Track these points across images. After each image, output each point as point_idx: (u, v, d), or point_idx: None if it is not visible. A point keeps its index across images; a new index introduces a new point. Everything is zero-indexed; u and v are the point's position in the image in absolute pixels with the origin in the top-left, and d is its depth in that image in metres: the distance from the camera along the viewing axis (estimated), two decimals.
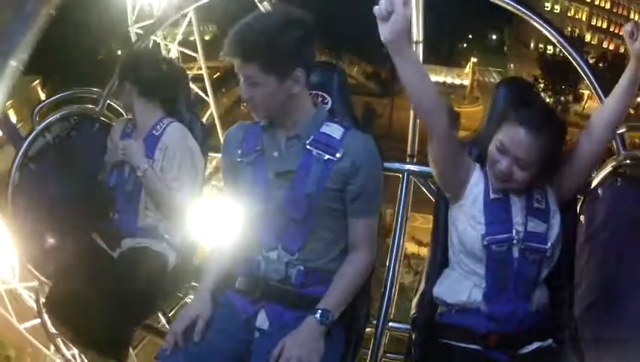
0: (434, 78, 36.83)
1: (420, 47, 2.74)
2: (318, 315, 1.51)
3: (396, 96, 31.21)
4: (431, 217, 1.89)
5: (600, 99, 1.97)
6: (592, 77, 2.02)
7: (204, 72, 12.25)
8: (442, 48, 37.19)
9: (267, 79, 1.50)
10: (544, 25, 2.12)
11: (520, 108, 1.62)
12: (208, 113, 12.59)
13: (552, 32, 2.10)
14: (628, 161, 1.77)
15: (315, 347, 1.48)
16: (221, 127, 12.18)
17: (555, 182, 1.69)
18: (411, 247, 15.75)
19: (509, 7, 2.15)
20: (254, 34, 1.48)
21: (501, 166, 1.60)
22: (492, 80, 38.44)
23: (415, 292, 1.93)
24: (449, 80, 38.48)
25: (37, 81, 20.94)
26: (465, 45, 41.35)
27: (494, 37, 41.27)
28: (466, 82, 38.42)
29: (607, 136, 1.66)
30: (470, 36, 41.36)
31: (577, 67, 2.04)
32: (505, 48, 40.30)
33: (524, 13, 2.13)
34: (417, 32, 2.67)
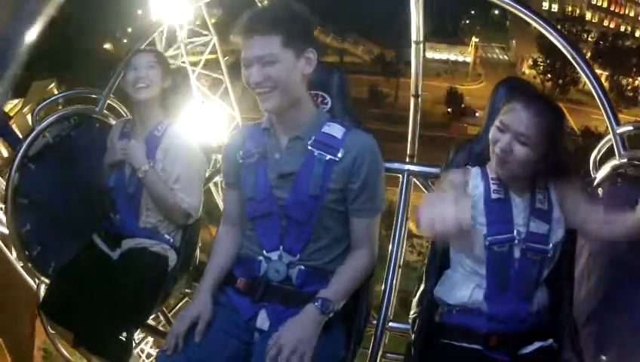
0: (437, 55, 36.79)
1: (421, 47, 2.73)
2: (318, 304, 1.50)
3: (402, 76, 31.17)
4: None
5: (599, 97, 1.97)
6: (591, 76, 2.02)
7: (219, 55, 12.20)
8: (445, 25, 37.08)
9: (285, 55, 1.52)
10: (543, 24, 2.12)
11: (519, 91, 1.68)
12: (222, 89, 12.61)
13: (551, 30, 2.10)
14: (628, 161, 1.77)
15: (310, 336, 1.46)
16: (239, 110, 12.20)
17: (557, 188, 1.70)
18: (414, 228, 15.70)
19: (508, 8, 2.14)
20: (275, 9, 1.56)
21: (501, 143, 1.61)
22: (494, 55, 38.53)
23: (415, 292, 1.93)
24: (452, 57, 38.46)
25: (52, 85, 21.13)
26: (468, 21, 41.24)
27: (497, 12, 41.16)
28: (469, 59, 38.39)
29: (595, 236, 1.69)
30: (473, 12, 41.24)
31: (577, 66, 2.04)
32: (507, 23, 40.16)
33: (524, 13, 2.13)
34: (417, 33, 2.67)
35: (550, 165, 1.63)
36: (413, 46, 2.73)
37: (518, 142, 1.58)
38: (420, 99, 3.00)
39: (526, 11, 2.13)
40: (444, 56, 38.09)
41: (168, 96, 2.28)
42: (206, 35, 12.66)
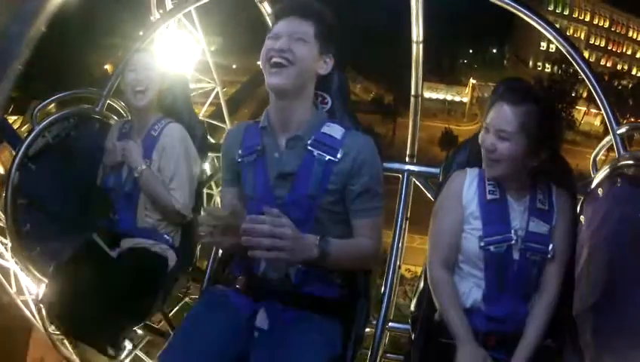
0: (434, 95, 36.94)
1: (421, 47, 2.73)
2: (319, 238, 1.45)
3: (399, 116, 31.30)
4: None
5: (599, 97, 1.98)
6: (590, 75, 2.02)
7: (219, 91, 12.09)
8: (443, 64, 37.31)
9: (314, 43, 1.58)
10: (545, 25, 2.12)
11: (503, 90, 1.68)
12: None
13: (553, 33, 2.10)
14: (628, 161, 1.76)
15: (297, 248, 1.37)
16: None
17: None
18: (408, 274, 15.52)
19: (511, 9, 2.14)
20: (315, 4, 1.62)
21: (485, 143, 1.63)
22: None
23: (414, 292, 1.93)
24: (449, 97, 38.64)
25: (52, 104, 21.31)
26: (465, 61, 41.53)
27: (495, 50, 41.41)
28: (466, 99, 38.54)
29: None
30: (471, 51, 41.54)
31: (576, 66, 2.04)
32: (505, 62, 40.51)
33: (526, 14, 2.13)
34: (417, 33, 2.67)
35: (545, 163, 1.63)
36: (414, 46, 2.74)
37: (500, 138, 1.60)
38: (419, 100, 3.01)
39: (526, 11, 2.12)
40: (441, 95, 38.20)
41: (167, 97, 2.29)
42: (209, 83, 12.55)
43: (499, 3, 2.14)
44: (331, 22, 1.63)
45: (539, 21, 2.12)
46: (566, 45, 2.06)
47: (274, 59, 1.55)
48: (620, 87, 33.70)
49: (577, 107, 32.05)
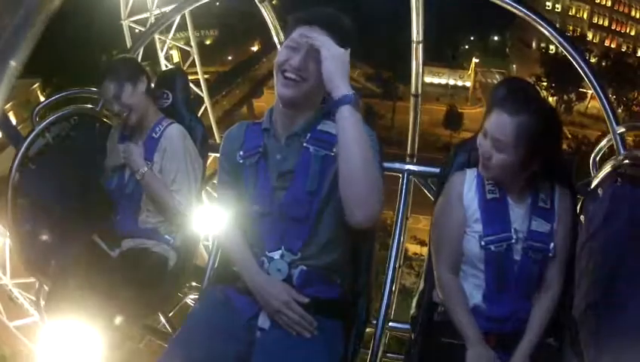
0: (436, 80, 36.71)
1: (420, 47, 2.73)
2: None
3: (398, 99, 31.21)
4: None
5: (599, 97, 1.97)
6: (591, 76, 2.02)
7: (200, 75, 12.07)
8: (444, 50, 37.11)
9: None
10: (544, 24, 2.12)
11: (504, 95, 1.66)
12: (202, 109, 12.51)
13: (552, 31, 2.10)
14: (628, 161, 1.76)
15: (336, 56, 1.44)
16: (218, 129, 12.13)
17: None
18: (413, 248, 15.68)
19: (509, 8, 2.14)
20: (341, 18, 1.58)
21: (482, 149, 1.64)
22: (494, 81, 38.28)
23: (415, 292, 1.93)
24: (451, 82, 38.42)
25: (37, 84, 21.09)
26: (467, 47, 41.32)
27: (496, 38, 41.21)
28: (469, 84, 38.31)
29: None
30: (472, 38, 41.35)
31: (577, 66, 2.04)
32: (507, 49, 40.30)
33: (524, 13, 2.13)
34: (417, 32, 2.67)
35: (537, 172, 1.64)
36: (414, 46, 2.74)
37: (496, 148, 1.59)
38: (419, 99, 3.01)
39: (525, 10, 2.12)
40: (443, 80, 37.88)
41: (166, 98, 2.30)
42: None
43: (499, 2, 2.13)
44: (350, 34, 1.57)
45: (538, 20, 2.12)
46: (565, 44, 2.06)
47: (287, 74, 1.53)
48: (627, 66, 33.46)
49: (584, 90, 31.88)
